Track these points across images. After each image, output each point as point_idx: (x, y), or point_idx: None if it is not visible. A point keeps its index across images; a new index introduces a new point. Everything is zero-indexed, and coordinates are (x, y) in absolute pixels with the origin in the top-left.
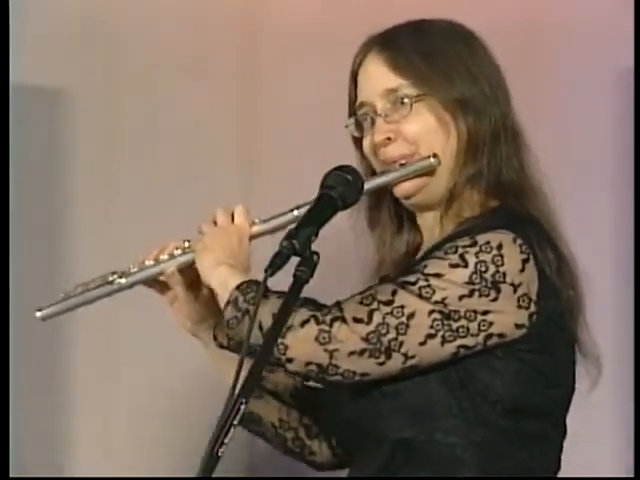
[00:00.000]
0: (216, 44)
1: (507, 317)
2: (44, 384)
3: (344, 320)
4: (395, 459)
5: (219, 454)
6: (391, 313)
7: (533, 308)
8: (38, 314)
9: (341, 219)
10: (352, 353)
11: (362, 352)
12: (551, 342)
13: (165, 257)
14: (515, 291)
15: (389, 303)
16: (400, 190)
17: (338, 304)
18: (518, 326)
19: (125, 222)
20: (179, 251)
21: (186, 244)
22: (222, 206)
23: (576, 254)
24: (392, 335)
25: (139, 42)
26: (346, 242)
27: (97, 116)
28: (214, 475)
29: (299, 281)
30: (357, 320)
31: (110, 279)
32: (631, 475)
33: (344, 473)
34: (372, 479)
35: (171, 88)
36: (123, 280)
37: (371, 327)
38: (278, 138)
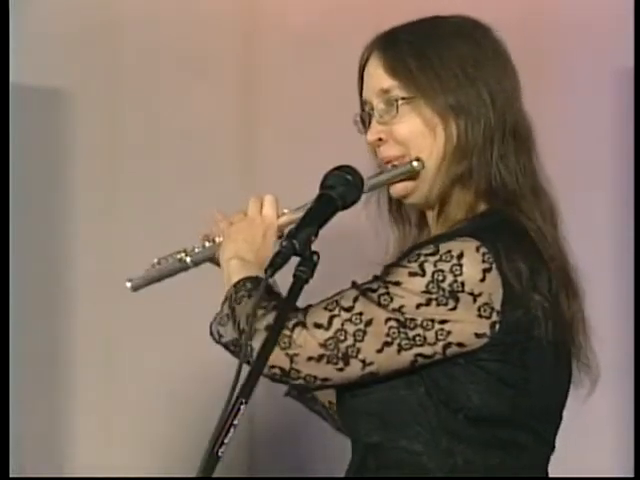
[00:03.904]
0: (216, 44)
1: (466, 326)
2: (44, 384)
3: (304, 325)
4: (367, 463)
5: (219, 454)
6: (350, 320)
7: (495, 317)
8: (128, 284)
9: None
10: (311, 358)
11: (320, 358)
12: (519, 351)
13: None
14: (475, 300)
15: (349, 309)
16: (394, 191)
17: (306, 309)
18: (479, 335)
19: (125, 222)
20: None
21: None
22: (252, 198)
23: (576, 254)
24: (349, 342)
25: (139, 42)
26: (349, 239)
27: (97, 116)
28: (214, 475)
29: (299, 281)
30: (317, 325)
31: (178, 257)
32: (631, 475)
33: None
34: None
35: (171, 88)
36: (188, 259)
37: (330, 333)
38: (278, 138)
